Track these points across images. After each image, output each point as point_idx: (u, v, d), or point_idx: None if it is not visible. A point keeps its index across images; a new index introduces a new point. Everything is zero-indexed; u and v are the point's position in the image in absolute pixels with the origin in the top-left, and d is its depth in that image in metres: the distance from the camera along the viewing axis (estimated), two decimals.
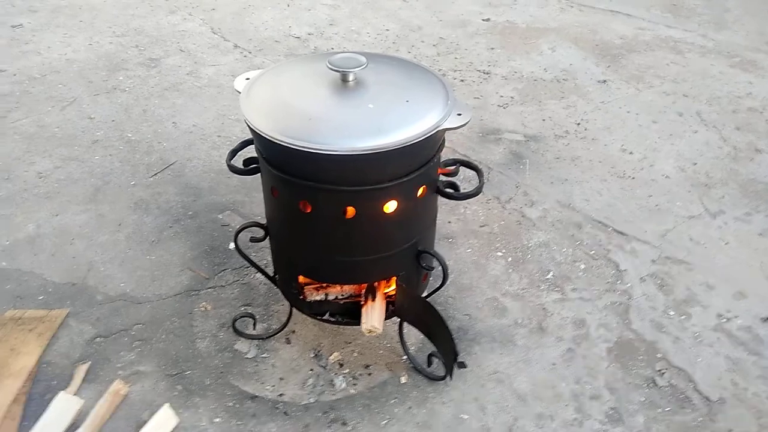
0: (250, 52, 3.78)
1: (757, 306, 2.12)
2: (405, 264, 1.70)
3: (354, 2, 4.56)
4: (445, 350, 1.77)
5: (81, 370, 1.84)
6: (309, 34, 4.04)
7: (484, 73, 3.60)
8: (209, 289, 2.15)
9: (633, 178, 2.74)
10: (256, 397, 1.80)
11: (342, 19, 4.28)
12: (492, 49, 3.89)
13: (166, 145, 2.90)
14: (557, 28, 4.18)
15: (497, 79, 3.54)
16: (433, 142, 1.51)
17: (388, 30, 4.12)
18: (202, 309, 2.08)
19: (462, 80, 3.51)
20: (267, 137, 1.42)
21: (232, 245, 2.27)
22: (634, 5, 4.55)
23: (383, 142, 1.38)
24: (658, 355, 1.95)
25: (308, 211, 1.55)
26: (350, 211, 1.51)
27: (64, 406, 1.71)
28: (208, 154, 2.84)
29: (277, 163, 1.52)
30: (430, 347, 1.87)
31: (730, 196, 2.64)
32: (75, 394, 1.77)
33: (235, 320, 1.97)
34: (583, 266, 2.27)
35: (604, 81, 3.53)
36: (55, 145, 2.87)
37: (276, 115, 1.48)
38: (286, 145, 1.39)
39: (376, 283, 1.76)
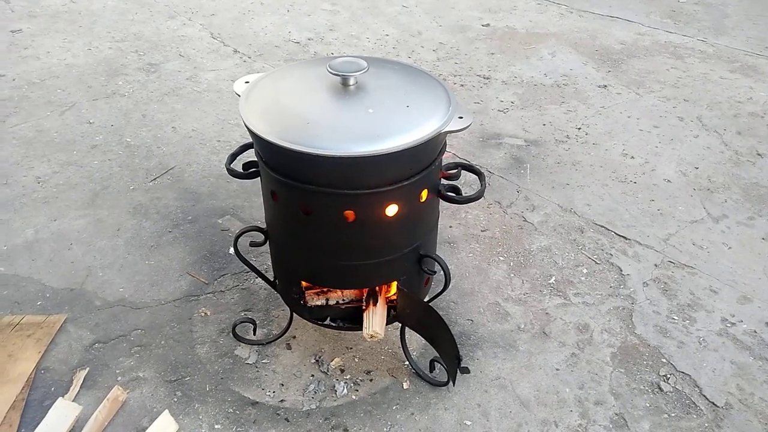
0: (249, 57, 3.77)
1: (761, 310, 2.10)
2: (406, 268, 1.68)
3: (354, 7, 4.56)
4: (448, 355, 1.75)
5: (79, 376, 1.83)
6: (309, 39, 4.04)
7: (484, 78, 3.59)
8: (209, 295, 2.13)
9: (635, 182, 2.73)
10: (257, 403, 1.79)
11: (342, 24, 4.28)
12: (492, 54, 3.89)
13: (165, 149, 2.89)
14: (557, 34, 4.18)
15: (497, 84, 3.53)
16: (434, 145, 1.50)
17: (387, 35, 4.12)
18: (202, 314, 2.06)
19: (462, 85, 3.50)
20: (266, 140, 1.41)
21: (231, 250, 2.25)
22: (634, 11, 4.56)
23: (381, 147, 1.37)
24: (663, 360, 1.93)
25: (308, 214, 1.53)
26: (351, 215, 1.50)
27: (62, 412, 1.69)
28: (208, 159, 2.83)
29: (277, 167, 1.51)
30: (432, 353, 1.85)
31: (732, 201, 2.62)
32: (73, 401, 1.75)
33: (235, 325, 1.95)
34: (585, 271, 2.26)
35: (605, 86, 3.52)
36: (53, 150, 2.86)
37: (275, 118, 1.47)
38: (284, 147, 1.38)
39: (377, 288, 1.75)
